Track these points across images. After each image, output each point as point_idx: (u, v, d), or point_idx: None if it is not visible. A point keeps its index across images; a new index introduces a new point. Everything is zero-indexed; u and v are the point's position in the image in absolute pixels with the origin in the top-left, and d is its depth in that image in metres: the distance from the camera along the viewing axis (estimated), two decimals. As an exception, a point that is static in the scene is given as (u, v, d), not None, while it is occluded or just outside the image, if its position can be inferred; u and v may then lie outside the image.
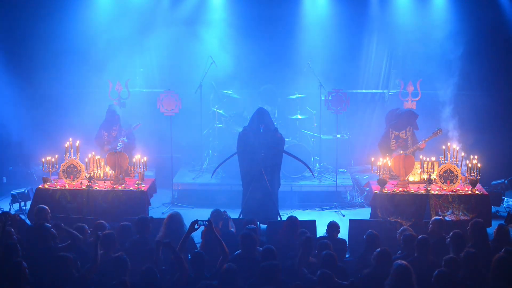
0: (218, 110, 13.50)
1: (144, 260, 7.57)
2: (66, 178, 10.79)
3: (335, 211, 12.12)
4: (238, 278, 7.00)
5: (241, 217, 10.54)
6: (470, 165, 10.56)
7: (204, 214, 9.94)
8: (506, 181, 12.72)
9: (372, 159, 10.98)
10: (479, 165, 10.50)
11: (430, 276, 6.95)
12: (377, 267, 7.33)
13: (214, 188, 12.58)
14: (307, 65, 13.10)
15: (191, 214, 10.73)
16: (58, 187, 10.71)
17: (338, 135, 12.93)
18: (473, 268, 7.31)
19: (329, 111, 12.48)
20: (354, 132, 14.12)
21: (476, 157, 10.57)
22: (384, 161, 10.71)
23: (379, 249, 7.55)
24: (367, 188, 12.09)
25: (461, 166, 10.76)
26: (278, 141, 10.67)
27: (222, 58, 13.26)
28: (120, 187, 10.71)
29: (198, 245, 8.53)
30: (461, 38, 13.14)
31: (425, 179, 10.63)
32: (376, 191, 10.58)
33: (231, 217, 9.55)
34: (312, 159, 13.33)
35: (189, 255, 7.83)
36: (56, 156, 10.91)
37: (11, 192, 11.92)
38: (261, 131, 10.64)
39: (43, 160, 10.73)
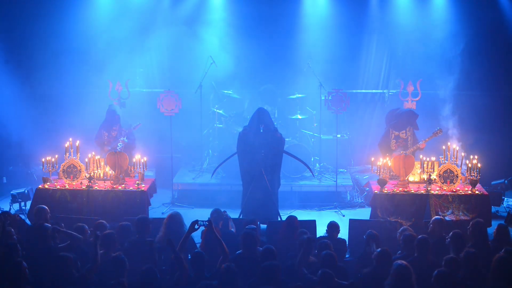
0: (218, 110, 13.50)
1: (144, 260, 7.57)
2: (66, 178, 10.79)
3: (335, 211, 12.12)
4: (238, 278, 7.00)
5: (241, 217, 10.54)
6: (470, 165, 10.56)
7: (204, 214, 9.94)
8: (506, 181, 12.72)
9: (372, 159, 10.99)
10: (479, 165, 10.51)
11: (430, 276, 6.94)
12: (377, 267, 7.33)
13: (214, 188, 12.58)
14: (307, 65, 13.11)
15: (191, 214, 10.74)
16: (58, 187, 10.71)
17: (338, 135, 12.93)
18: (473, 268, 7.31)
19: (329, 111, 12.48)
20: (354, 132, 14.13)
21: (476, 157, 10.58)
22: (384, 161, 10.71)
23: (379, 249, 7.56)
24: (367, 188, 12.09)
25: (461, 166, 10.77)
26: (278, 141, 10.67)
27: (222, 58, 13.26)
28: (120, 187, 10.71)
29: (198, 245, 8.53)
30: (461, 38, 13.15)
31: (425, 179, 10.63)
32: (376, 191, 10.58)
33: (231, 217, 9.54)
34: (312, 159, 13.33)
35: (189, 255, 7.84)
36: (56, 156, 10.91)
37: (11, 192, 11.92)
38: (261, 131, 10.64)
39: (43, 160, 10.73)
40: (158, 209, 11.95)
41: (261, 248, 7.78)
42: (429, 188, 10.48)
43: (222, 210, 9.39)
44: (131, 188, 10.71)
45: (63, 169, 10.82)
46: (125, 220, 9.03)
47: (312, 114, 13.59)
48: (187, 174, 13.34)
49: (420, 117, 11.57)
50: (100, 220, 8.86)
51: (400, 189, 10.60)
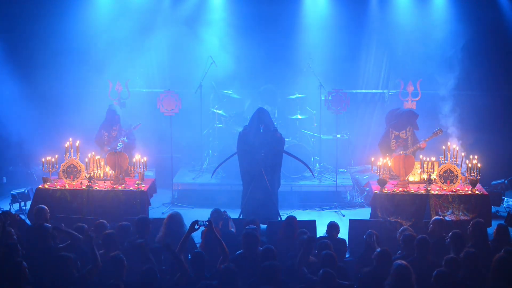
0: (217, 111, 13.50)
1: (143, 260, 7.57)
2: (66, 178, 10.79)
3: (335, 211, 12.12)
4: (238, 278, 7.01)
5: (241, 217, 10.54)
6: (470, 165, 10.56)
7: (204, 214, 9.94)
8: (506, 181, 12.73)
9: (372, 159, 10.99)
10: (479, 165, 10.51)
11: (430, 276, 6.95)
12: (377, 267, 7.33)
13: (214, 188, 12.58)
14: (307, 65, 13.10)
15: (191, 214, 10.74)
16: (58, 187, 10.71)
17: (338, 135, 12.93)
18: (473, 268, 7.31)
19: (329, 111, 12.49)
20: (354, 132, 14.13)
21: (476, 157, 10.58)
22: (384, 161, 10.71)
23: (379, 249, 7.56)
24: (367, 188, 12.09)
25: (461, 166, 10.77)
26: (278, 141, 10.67)
27: (222, 58, 13.26)
28: (120, 187, 10.71)
29: (198, 245, 8.53)
30: (461, 38, 13.14)
31: (425, 179, 10.63)
32: (376, 191, 10.58)
33: (231, 217, 9.54)
34: (312, 159, 13.34)
35: (189, 255, 7.83)
36: (56, 156, 10.91)
37: (11, 192, 11.92)
38: (261, 131, 10.64)
39: (43, 160, 10.73)
40: (158, 209, 11.95)
41: (261, 248, 7.78)
42: (429, 188, 10.48)
43: (222, 210, 9.40)
44: (131, 188, 10.71)
45: (63, 169, 10.82)
46: (125, 220, 9.03)
47: (312, 114, 13.59)
48: (187, 174, 13.34)
49: (420, 117, 11.57)
50: (100, 220, 8.86)
51: (400, 189, 10.60)
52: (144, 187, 10.74)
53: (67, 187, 10.70)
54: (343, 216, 11.82)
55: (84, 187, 10.65)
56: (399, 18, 13.75)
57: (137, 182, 10.80)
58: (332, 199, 12.46)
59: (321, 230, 9.68)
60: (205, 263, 7.38)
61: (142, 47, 13.81)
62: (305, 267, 7.54)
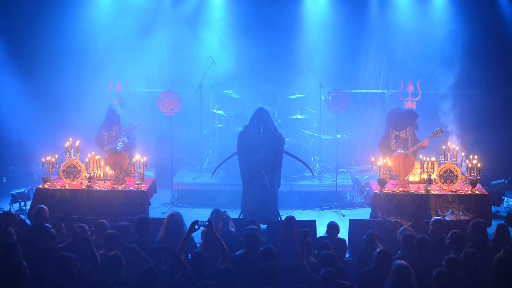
0: (217, 111, 13.49)
1: (141, 261, 7.56)
2: (66, 178, 10.79)
3: (335, 211, 12.12)
4: (236, 278, 7.01)
5: (241, 217, 10.54)
6: (470, 165, 10.56)
7: (204, 214, 9.95)
8: (506, 181, 12.73)
9: (372, 159, 10.99)
10: (479, 165, 10.50)
11: (430, 276, 6.94)
12: (377, 267, 7.33)
13: (214, 188, 12.58)
14: (307, 65, 13.10)
15: (191, 214, 10.74)
16: (58, 187, 10.71)
17: (338, 135, 12.93)
18: (473, 268, 7.31)
19: (329, 111, 12.48)
20: (354, 132, 14.13)
21: (476, 157, 10.58)
22: (384, 161, 10.71)
23: (379, 249, 7.56)
24: (367, 188, 12.08)
25: (461, 166, 10.77)
26: (278, 141, 10.67)
27: (222, 58, 13.26)
28: (120, 187, 10.71)
29: (198, 245, 8.53)
30: (461, 38, 13.13)
31: (425, 179, 10.63)
32: (376, 191, 10.58)
33: (231, 217, 9.54)
34: (312, 159, 13.33)
35: (189, 255, 7.83)
36: (56, 156, 10.91)
37: (11, 192, 11.92)
38: (261, 131, 10.64)
39: (43, 160, 10.73)
40: (158, 209, 11.95)
41: (261, 248, 7.78)
42: (429, 188, 10.48)
43: (222, 210, 9.40)
44: (131, 188, 10.71)
45: (63, 169, 10.82)
46: (125, 220, 9.03)
47: (312, 114, 13.59)
48: (187, 174, 13.34)
49: (420, 117, 11.57)
50: (100, 220, 8.86)
51: (400, 189, 10.60)
52: (144, 187, 10.74)
53: (67, 187, 10.70)
54: (343, 216, 11.81)
55: (84, 187, 10.65)
56: (399, 18, 13.75)
57: (137, 182, 10.80)
58: (332, 199, 12.46)
59: (321, 230, 9.68)
60: (205, 263, 7.38)
61: (142, 47, 13.80)
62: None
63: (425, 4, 13.73)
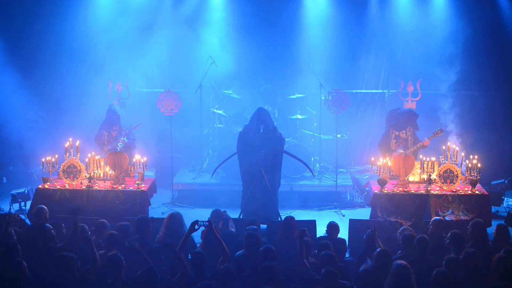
0: (217, 111, 13.49)
1: (141, 261, 7.56)
2: (66, 178, 10.79)
3: (335, 211, 12.12)
4: (236, 278, 7.01)
5: (241, 217, 10.54)
6: (470, 165, 10.56)
7: (204, 214, 9.95)
8: (506, 181, 12.73)
9: (372, 159, 10.99)
10: (479, 165, 10.50)
11: (429, 276, 6.95)
12: (377, 267, 7.33)
13: (214, 188, 12.58)
14: (307, 65, 13.10)
15: (191, 214, 10.74)
16: (58, 187, 10.71)
17: (338, 135, 12.92)
18: (473, 268, 7.31)
19: (329, 111, 12.48)
20: (354, 132, 14.14)
21: (476, 157, 10.58)
22: (384, 161, 10.71)
23: (379, 249, 7.56)
24: (367, 188, 12.08)
25: (461, 166, 10.77)
26: (278, 140, 10.67)
27: (222, 58, 13.26)
28: (120, 187, 10.71)
29: (198, 245, 8.52)
30: (460, 38, 13.13)
31: (425, 179, 10.63)
32: (376, 191, 10.58)
33: (231, 217, 9.54)
34: (312, 159, 13.33)
35: (189, 255, 7.83)
36: (56, 156, 10.91)
37: (11, 192, 11.92)
38: (261, 131, 10.64)
39: (43, 160, 10.73)
40: (158, 209, 11.95)
41: (261, 248, 7.78)
42: (429, 188, 10.48)
43: (222, 210, 9.40)
44: (131, 188, 10.71)
45: (63, 169, 10.82)
46: (125, 220, 9.03)
47: (312, 114, 13.59)
48: (187, 174, 13.34)
49: (420, 117, 11.57)
50: (101, 220, 8.85)
51: (400, 189, 10.60)
52: (144, 187, 10.74)
53: (67, 187, 10.70)
54: (343, 216, 11.81)
55: (84, 187, 10.65)
56: (399, 18, 13.76)
57: (137, 182, 10.80)
58: (332, 199, 12.46)
59: (321, 230, 9.68)
60: (205, 263, 7.38)
61: (142, 47, 13.81)
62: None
63: (425, 4, 13.73)
